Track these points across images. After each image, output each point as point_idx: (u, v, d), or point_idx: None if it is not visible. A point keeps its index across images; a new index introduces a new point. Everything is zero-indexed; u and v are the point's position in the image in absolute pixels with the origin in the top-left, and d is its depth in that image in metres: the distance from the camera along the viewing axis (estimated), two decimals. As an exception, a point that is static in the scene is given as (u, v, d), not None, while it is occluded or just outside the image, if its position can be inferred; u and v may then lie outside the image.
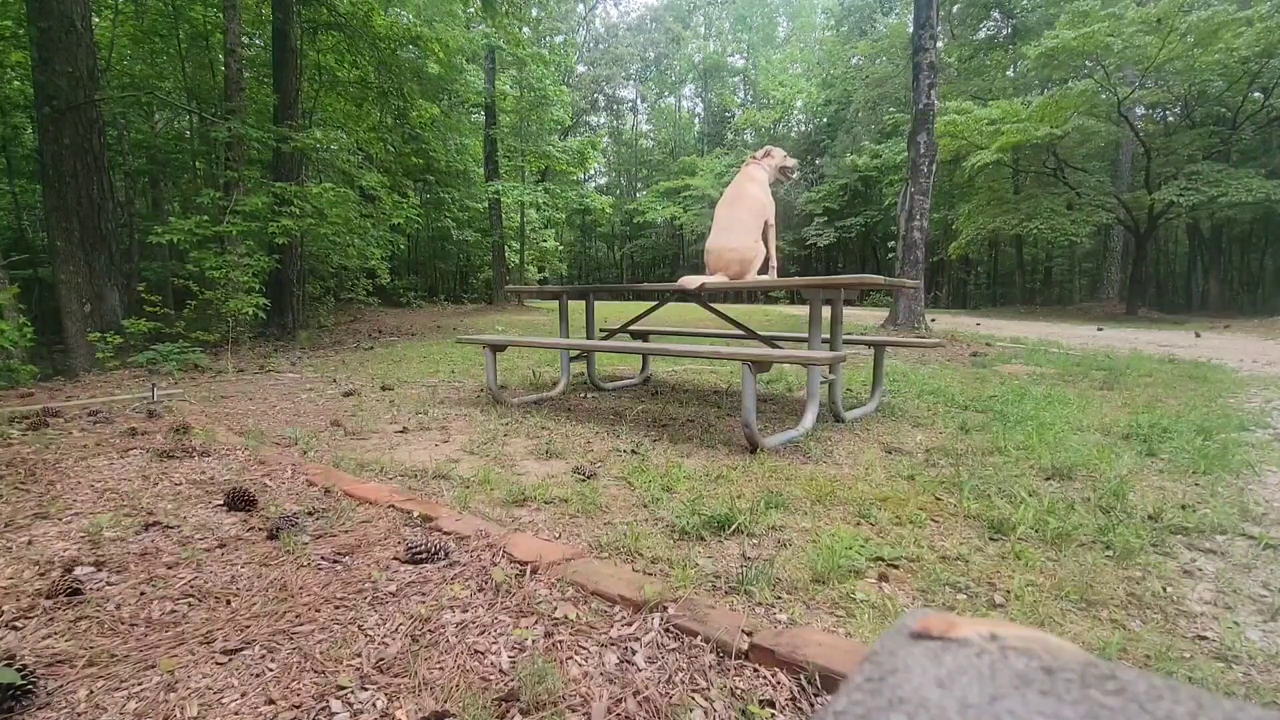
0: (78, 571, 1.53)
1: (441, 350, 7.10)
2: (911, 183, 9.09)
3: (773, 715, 1.04)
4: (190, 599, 1.43)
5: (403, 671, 1.16)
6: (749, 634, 1.20)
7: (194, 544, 1.72)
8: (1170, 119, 17.56)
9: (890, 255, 17.48)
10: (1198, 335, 9.56)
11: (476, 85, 16.16)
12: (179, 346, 5.48)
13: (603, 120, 40.18)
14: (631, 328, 4.40)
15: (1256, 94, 14.65)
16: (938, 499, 2.07)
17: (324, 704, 1.07)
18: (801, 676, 1.10)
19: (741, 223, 3.42)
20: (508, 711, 1.05)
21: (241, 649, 1.23)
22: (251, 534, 1.81)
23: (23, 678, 1.07)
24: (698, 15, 40.48)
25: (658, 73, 40.30)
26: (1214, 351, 6.90)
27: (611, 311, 9.44)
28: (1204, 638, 1.29)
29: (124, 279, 6.93)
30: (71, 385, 4.66)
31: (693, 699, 1.08)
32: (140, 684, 1.13)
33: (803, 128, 32.23)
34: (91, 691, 1.11)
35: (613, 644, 1.24)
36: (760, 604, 1.40)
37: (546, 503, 2.06)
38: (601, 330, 4.57)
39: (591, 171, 29.83)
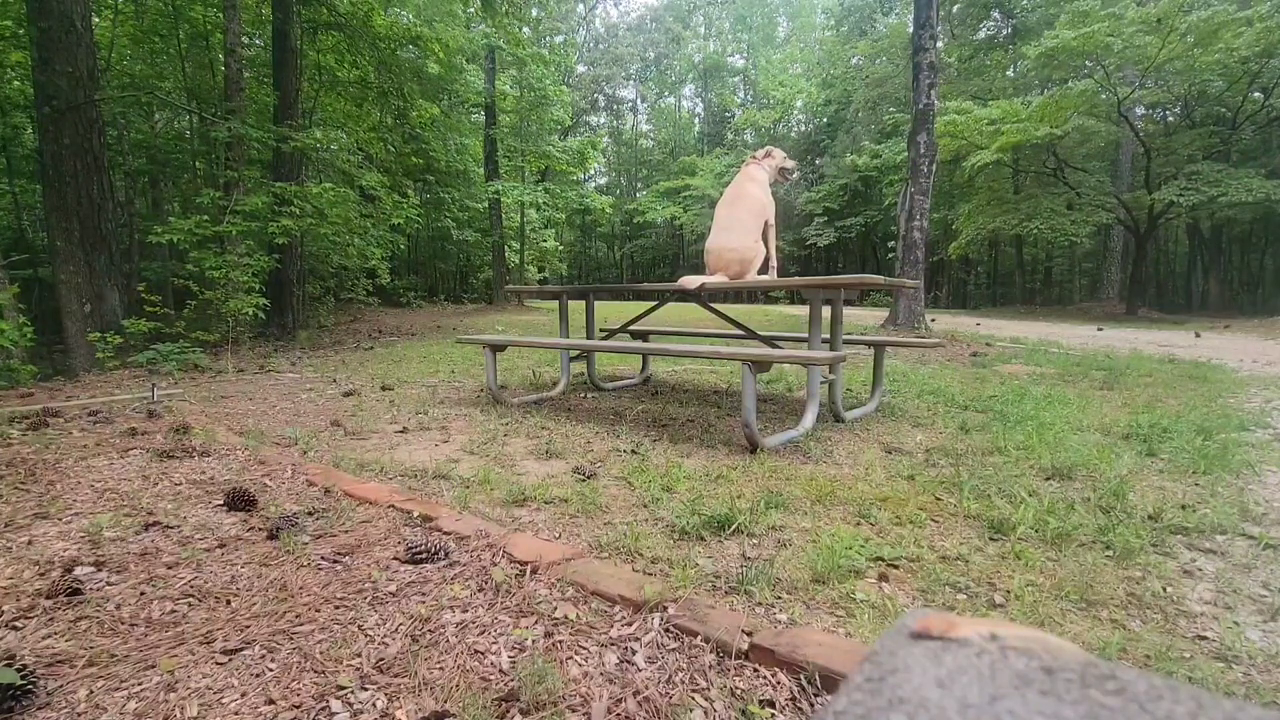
0: (78, 571, 1.53)
1: (441, 350, 7.10)
2: (911, 183, 9.09)
3: (773, 715, 1.04)
4: (190, 599, 1.43)
5: (403, 671, 1.16)
6: (749, 634, 1.20)
7: (194, 544, 1.72)
8: (1170, 119, 17.56)
9: (890, 255, 17.48)
10: (1198, 335, 9.56)
11: (476, 85, 16.16)
12: (179, 346, 5.48)
13: (603, 120, 40.19)
14: (631, 328, 4.40)
15: (1256, 94, 14.65)
16: (938, 499, 2.07)
17: (324, 704, 1.07)
18: (801, 676, 1.10)
19: (741, 223, 3.42)
20: (508, 711, 1.05)
21: (241, 649, 1.23)
22: (251, 534, 1.81)
23: (23, 678, 1.07)
24: (698, 15, 40.48)
25: (658, 73, 40.30)
26: (1214, 351, 6.90)
27: (611, 311, 9.44)
28: (1204, 638, 1.29)
29: (124, 279, 6.93)
30: (71, 385, 4.66)
31: (693, 699, 1.08)
32: (140, 684, 1.13)
33: (803, 128, 32.23)
34: (91, 691, 1.11)
35: (613, 644, 1.24)
36: (760, 604, 1.40)
37: (546, 503, 2.06)
38: (601, 330, 4.57)
39: (591, 171, 29.84)
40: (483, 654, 1.21)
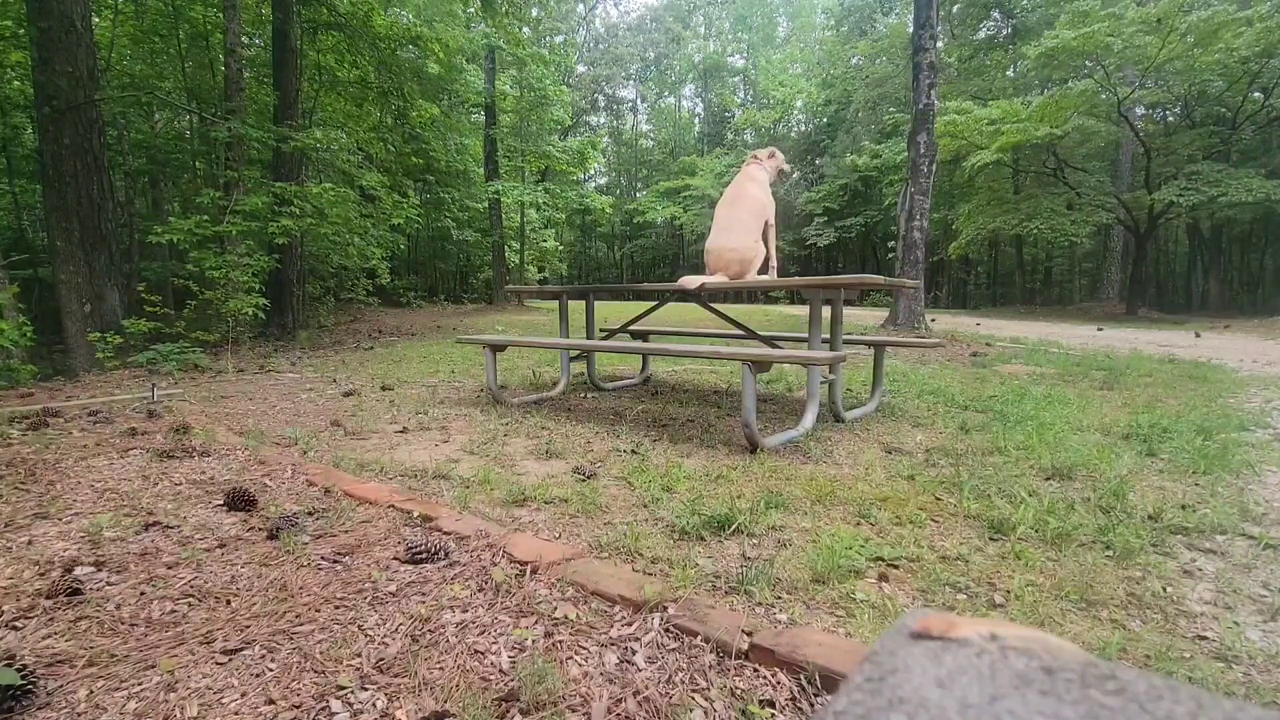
0: (78, 571, 1.53)
1: (441, 350, 7.10)
2: (911, 183, 9.09)
3: (773, 715, 1.04)
4: (190, 599, 1.43)
5: (403, 671, 1.16)
6: (749, 634, 1.20)
7: (194, 544, 1.72)
8: (1170, 119, 17.56)
9: (890, 255, 17.48)
10: (1198, 335, 9.56)
11: (476, 85, 16.15)
12: (179, 346, 5.48)
13: (603, 120, 40.18)
14: (631, 328, 4.40)
15: (1256, 94, 14.65)
16: (938, 499, 2.07)
17: (324, 704, 1.07)
18: (801, 676, 1.10)
19: (742, 223, 3.42)
20: (508, 711, 1.05)
21: (241, 649, 1.23)
22: (251, 534, 1.81)
23: (23, 678, 1.07)
24: (698, 15, 40.48)
25: (658, 73, 40.30)
26: (1214, 351, 6.90)
27: (611, 311, 9.44)
28: (1204, 638, 1.29)
29: (124, 279, 6.93)
30: (71, 385, 4.66)
31: (693, 699, 1.08)
32: (140, 684, 1.13)
33: (803, 128, 32.22)
34: (91, 691, 1.11)
35: (613, 644, 1.24)
36: (760, 604, 1.40)
37: (546, 503, 2.06)
38: (601, 330, 4.57)
39: (591, 171, 29.84)
40: (483, 654, 1.21)
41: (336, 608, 1.38)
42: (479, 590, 1.45)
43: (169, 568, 1.58)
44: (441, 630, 1.29)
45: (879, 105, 23.86)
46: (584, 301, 4.49)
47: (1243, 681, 1.16)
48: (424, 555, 1.59)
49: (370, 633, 1.28)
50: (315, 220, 7.71)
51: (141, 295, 6.17)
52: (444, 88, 14.22)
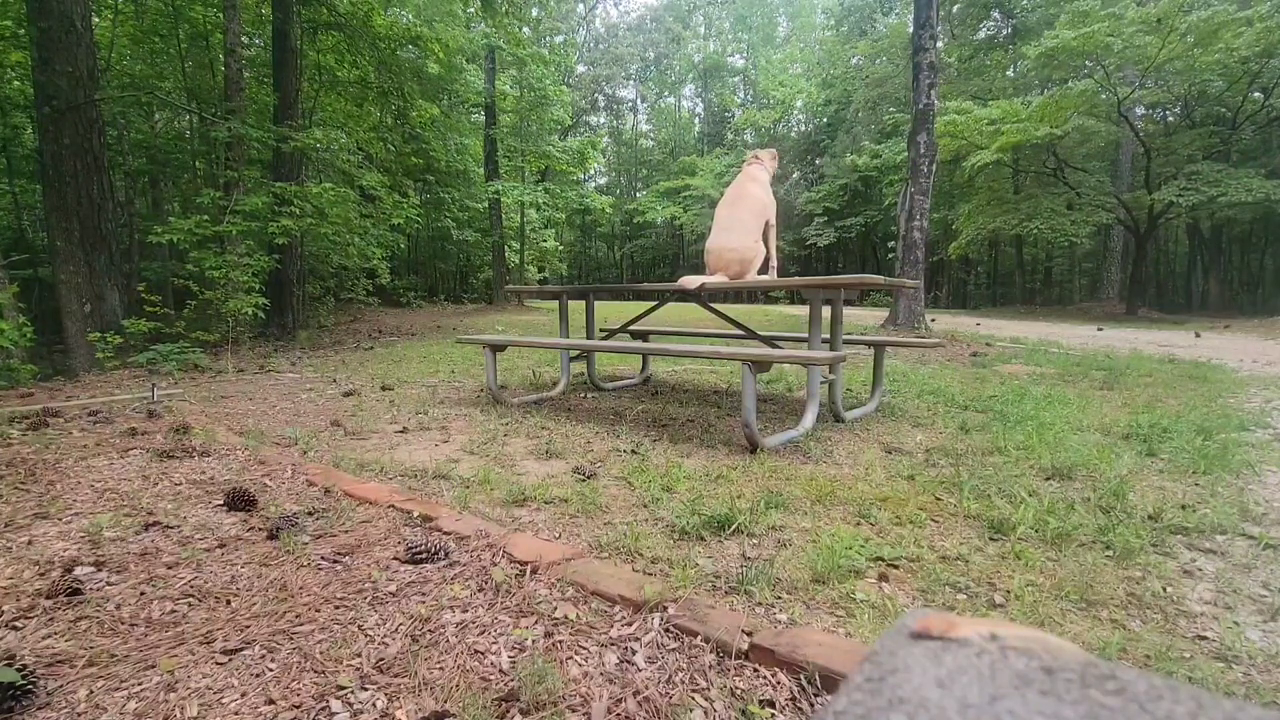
0: (78, 571, 1.53)
1: (441, 350, 7.10)
2: (911, 183, 9.09)
3: (773, 715, 1.04)
4: (190, 599, 1.43)
5: (403, 671, 1.16)
6: (749, 634, 1.20)
7: (194, 544, 1.72)
8: (1170, 119, 17.56)
9: (890, 255, 17.48)
10: (1198, 335, 9.56)
11: (476, 85, 16.15)
12: (179, 346, 5.48)
13: (603, 120, 40.18)
14: (631, 328, 4.40)
15: (1256, 94, 14.65)
16: (938, 499, 2.07)
17: (324, 704, 1.07)
18: (801, 676, 1.10)
19: (742, 223, 3.41)
20: (508, 711, 1.05)
21: (241, 649, 1.23)
22: (251, 534, 1.81)
23: (23, 678, 1.07)
24: (698, 15, 40.47)
25: (658, 73, 40.30)
26: (1214, 351, 6.90)
27: (611, 311, 9.44)
28: (1204, 638, 1.29)
29: (124, 279, 6.93)
30: (71, 385, 4.66)
31: (693, 699, 1.08)
32: (140, 684, 1.13)
33: (803, 128, 32.22)
34: (91, 691, 1.11)
35: (613, 644, 1.24)
36: (760, 604, 1.40)
37: (546, 503, 2.06)
38: (601, 330, 4.57)
39: (591, 171, 29.84)
40: (483, 654, 1.21)
41: (336, 608, 1.38)
42: (479, 590, 1.45)
43: (169, 568, 1.58)
44: (441, 630, 1.29)
45: (879, 105, 23.86)
46: (584, 301, 4.49)
47: (1243, 681, 1.16)
48: (424, 555, 1.59)
49: (370, 633, 1.28)
50: (315, 220, 7.71)
51: (141, 295, 6.17)
52: (444, 88, 14.22)
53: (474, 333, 9.28)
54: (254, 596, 1.44)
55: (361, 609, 1.38)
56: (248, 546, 1.71)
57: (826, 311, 3.11)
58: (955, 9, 21.50)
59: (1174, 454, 2.56)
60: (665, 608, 1.31)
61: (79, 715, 1.05)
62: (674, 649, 1.21)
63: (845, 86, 26.97)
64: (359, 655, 1.20)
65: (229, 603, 1.41)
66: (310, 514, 1.93)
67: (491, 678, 1.14)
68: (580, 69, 35.03)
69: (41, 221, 10.10)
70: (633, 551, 1.67)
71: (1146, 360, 5.74)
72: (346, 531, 1.81)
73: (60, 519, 1.91)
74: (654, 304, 4.34)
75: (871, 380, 3.72)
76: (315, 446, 2.86)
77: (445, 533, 1.75)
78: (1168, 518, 1.88)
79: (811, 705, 1.05)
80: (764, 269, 3.50)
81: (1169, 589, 1.48)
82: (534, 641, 1.24)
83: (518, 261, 19.97)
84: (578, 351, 4.25)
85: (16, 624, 1.32)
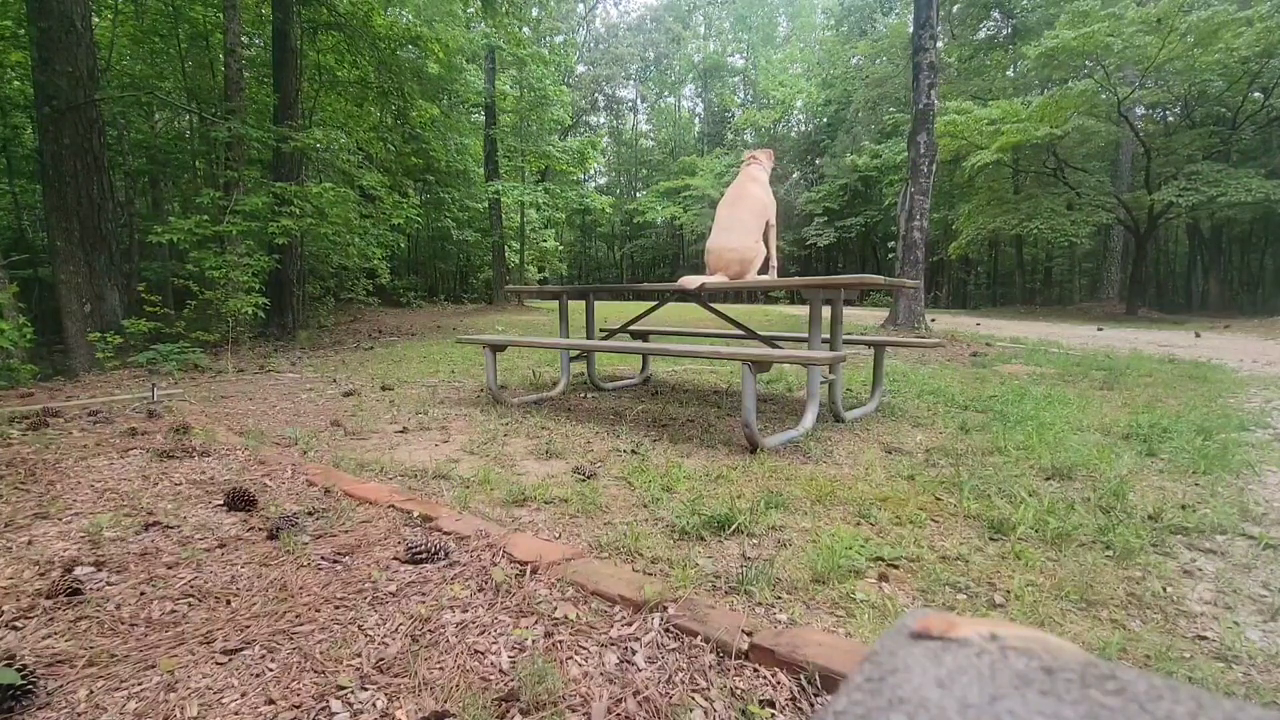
0: (78, 571, 1.53)
1: (441, 350, 7.10)
2: (911, 183, 9.09)
3: (773, 715, 1.04)
4: (190, 599, 1.43)
5: (403, 671, 1.16)
6: (749, 634, 1.20)
7: (194, 544, 1.72)
8: (1170, 119, 17.56)
9: (890, 255, 17.48)
10: (1198, 335, 9.56)
11: (476, 85, 16.15)
12: (179, 346, 5.48)
13: (603, 120, 40.18)
14: (631, 328, 4.40)
15: (1256, 94, 14.65)
16: (938, 499, 2.07)
17: (324, 704, 1.07)
18: (801, 676, 1.10)
19: (742, 223, 3.41)
20: (508, 711, 1.05)
21: (241, 649, 1.23)
22: (251, 534, 1.81)
23: (23, 678, 1.07)
24: (698, 15, 40.46)
25: (658, 73, 40.29)
26: (1214, 351, 6.90)
27: (611, 311, 9.44)
28: (1204, 638, 1.29)
29: (124, 279, 6.93)
30: (71, 385, 4.66)
31: (693, 699, 1.08)
32: (140, 684, 1.13)
33: (803, 128, 32.22)
34: (91, 691, 1.11)
35: (613, 644, 1.24)
36: (760, 604, 1.40)
37: (546, 503, 2.06)
38: (601, 330, 4.57)
39: (591, 171, 29.84)
40: (483, 654, 1.21)
41: (336, 608, 1.38)
42: (479, 590, 1.45)
43: (169, 568, 1.58)
44: (441, 630, 1.29)
45: (879, 105, 23.86)
46: (584, 301, 4.49)
47: (1243, 681, 1.16)
48: (424, 555, 1.59)
49: (370, 633, 1.28)
50: (315, 220, 7.71)
51: (141, 295, 6.17)
52: (444, 88, 14.22)
53: (474, 333, 9.28)
54: (254, 596, 1.44)
55: (361, 609, 1.38)
56: (248, 546, 1.71)
57: (826, 311, 3.11)
58: (955, 9, 21.50)
59: (1174, 454, 2.56)
60: (665, 608, 1.31)
61: (79, 715, 1.05)
62: (674, 649, 1.21)
63: (845, 86, 26.97)
64: (359, 655, 1.20)
65: (229, 603, 1.41)
66: (310, 514, 1.93)
67: (491, 678, 1.14)
68: (580, 69, 35.03)
69: (41, 221, 10.10)
70: (633, 551, 1.67)
71: (1146, 360, 5.74)
72: (346, 531, 1.81)
73: (60, 519, 1.91)
74: (654, 304, 4.34)
75: (871, 380, 3.72)
76: (315, 446, 2.86)
77: (445, 533, 1.75)
78: (1168, 518, 1.88)
79: (811, 705, 1.05)
80: (764, 269, 3.50)
81: (1169, 589, 1.48)
82: (534, 641, 1.24)
83: (518, 261, 19.97)
84: (578, 351, 4.25)
85: (16, 624, 1.32)
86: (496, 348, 3.83)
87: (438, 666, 1.17)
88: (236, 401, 4.05)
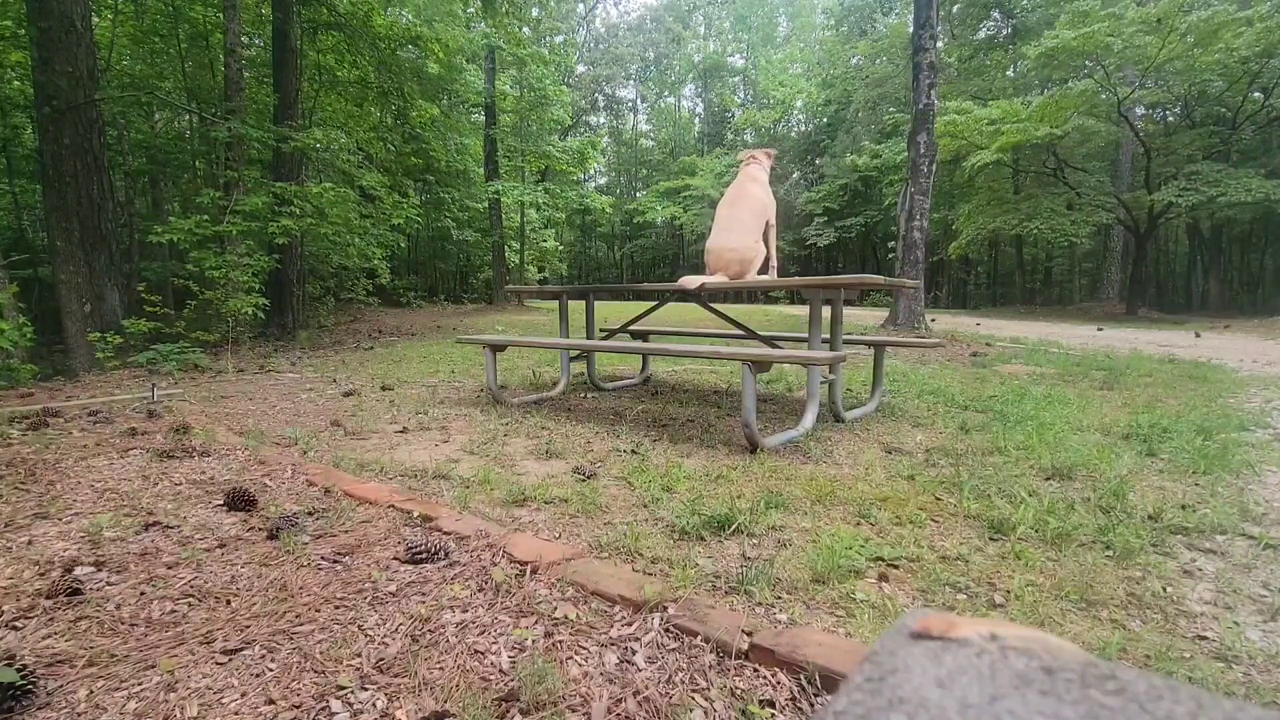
0: (78, 571, 1.53)
1: (441, 350, 7.10)
2: (911, 183, 9.09)
3: (773, 715, 1.04)
4: (190, 599, 1.43)
5: (403, 671, 1.16)
6: (749, 634, 1.20)
7: (194, 544, 1.72)
8: (1170, 119, 17.56)
9: (890, 255, 17.48)
10: (1198, 335, 9.56)
11: (476, 85, 16.15)
12: (179, 346, 5.48)
13: (603, 120, 40.17)
14: (631, 328, 4.40)
15: (1256, 94, 14.65)
16: (938, 499, 2.07)
17: (324, 704, 1.07)
18: (801, 676, 1.10)
19: (742, 223, 3.41)
20: (508, 711, 1.05)
21: (241, 649, 1.23)
22: (251, 534, 1.81)
23: (23, 678, 1.07)
24: (698, 15, 40.46)
25: (658, 73, 40.29)
26: (1214, 351, 6.90)
27: (611, 311, 9.44)
28: (1204, 638, 1.29)
29: (124, 279, 6.93)
30: (71, 385, 4.66)
31: (693, 699, 1.08)
32: (140, 684, 1.13)
33: (803, 128, 32.21)
34: (91, 691, 1.11)
35: (613, 644, 1.24)
36: (760, 604, 1.40)
37: (546, 503, 2.06)
38: (601, 330, 4.57)
39: (591, 171, 29.83)
40: (483, 654, 1.21)
41: (336, 608, 1.38)
42: (479, 590, 1.45)
43: (169, 568, 1.58)
44: (441, 630, 1.29)
45: (879, 105, 23.86)
46: (584, 301, 4.49)
47: (1243, 681, 1.16)
48: (424, 555, 1.59)
49: (370, 633, 1.28)
50: (315, 220, 7.71)
51: (141, 295, 6.17)
52: (444, 88, 14.21)
53: (474, 333, 9.28)
54: (254, 596, 1.44)
55: (361, 609, 1.38)
56: (248, 546, 1.71)
57: (826, 311, 3.11)
58: (955, 9, 21.50)
59: (1174, 454, 2.56)
60: (665, 608, 1.31)
61: (79, 715, 1.05)
62: (674, 649, 1.21)
63: (845, 86, 26.96)
64: (359, 655, 1.20)
65: (229, 603, 1.41)
66: (310, 514, 1.93)
67: (491, 678, 1.14)
68: (580, 69, 35.01)
69: (41, 221, 10.10)
70: (633, 551, 1.67)
71: (1146, 360, 5.74)
72: (346, 531, 1.81)
73: (60, 519, 1.91)
74: (654, 304, 4.34)
75: (871, 380, 3.72)
76: (315, 446, 2.86)
77: (445, 533, 1.75)
78: (1168, 518, 1.88)
79: (811, 705, 1.05)
80: (764, 269, 3.50)
81: (1169, 589, 1.48)
82: (534, 641, 1.24)
83: (518, 261, 19.97)
84: (578, 351, 4.25)
85: (16, 624, 1.32)
86: (496, 348, 3.83)
87: (438, 666, 1.17)
88: (236, 401, 4.05)
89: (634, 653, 1.20)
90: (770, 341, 3.53)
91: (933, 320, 10.51)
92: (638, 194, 37.68)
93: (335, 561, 1.62)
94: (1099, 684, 0.23)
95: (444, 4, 12.85)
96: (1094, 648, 1.24)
